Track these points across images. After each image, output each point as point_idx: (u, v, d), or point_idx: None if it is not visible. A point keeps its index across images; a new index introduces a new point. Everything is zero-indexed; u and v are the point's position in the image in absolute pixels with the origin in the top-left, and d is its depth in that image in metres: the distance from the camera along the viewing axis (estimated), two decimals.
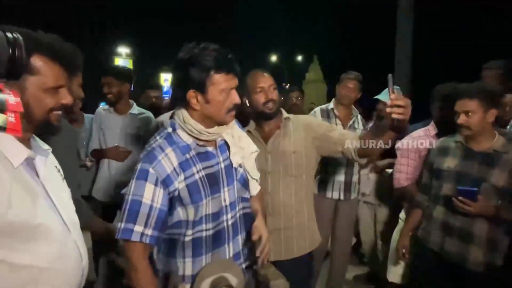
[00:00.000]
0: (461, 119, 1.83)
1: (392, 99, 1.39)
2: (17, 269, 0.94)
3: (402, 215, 2.49)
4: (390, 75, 1.43)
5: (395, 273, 2.47)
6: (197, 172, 1.33)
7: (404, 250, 2.17)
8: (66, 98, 1.05)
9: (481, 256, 1.81)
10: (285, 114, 1.97)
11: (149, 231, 1.27)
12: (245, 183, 1.49)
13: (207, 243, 1.37)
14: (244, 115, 1.98)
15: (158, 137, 1.36)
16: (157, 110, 3.21)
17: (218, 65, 1.26)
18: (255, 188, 1.57)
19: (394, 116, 1.40)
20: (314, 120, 2.06)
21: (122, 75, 2.75)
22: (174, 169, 1.29)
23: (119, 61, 21.95)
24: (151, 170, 1.26)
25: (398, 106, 1.38)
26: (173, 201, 1.30)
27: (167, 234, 1.35)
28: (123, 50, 23.08)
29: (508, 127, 2.35)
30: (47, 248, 0.99)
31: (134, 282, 1.29)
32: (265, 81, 1.85)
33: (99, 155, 2.72)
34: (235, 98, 1.33)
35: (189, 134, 1.34)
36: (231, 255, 1.42)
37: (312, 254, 1.99)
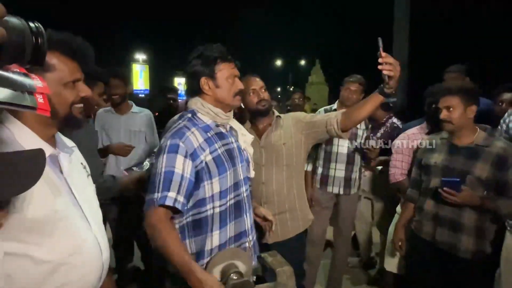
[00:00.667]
0: (443, 114, 1.87)
1: (383, 56, 1.54)
2: (39, 263, 0.91)
3: (398, 208, 2.49)
4: (379, 38, 1.56)
5: (391, 263, 2.48)
6: (219, 148, 1.45)
7: (400, 243, 2.18)
8: (84, 91, 1.03)
9: (471, 244, 1.83)
10: (276, 113, 2.08)
11: (181, 198, 1.33)
12: (248, 165, 1.60)
13: (231, 213, 1.46)
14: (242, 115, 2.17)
15: (180, 121, 1.46)
16: (174, 110, 3.24)
17: (223, 55, 1.46)
18: (253, 172, 1.67)
19: (384, 72, 1.56)
20: (301, 114, 2.14)
21: (127, 78, 2.85)
22: (200, 144, 1.39)
23: (136, 67, 22.10)
24: (181, 144, 1.35)
25: (388, 64, 1.54)
26: (200, 174, 1.38)
27: (195, 214, 1.41)
28: (140, 56, 23.23)
29: (501, 121, 2.35)
30: (66, 243, 0.97)
31: (163, 246, 1.27)
32: (256, 83, 1.98)
33: (104, 153, 2.75)
34: (239, 84, 1.52)
35: (207, 117, 1.47)
36: (248, 225, 1.52)
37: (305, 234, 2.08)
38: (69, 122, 1.02)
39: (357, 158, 2.81)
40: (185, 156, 1.35)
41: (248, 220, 1.52)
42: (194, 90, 1.50)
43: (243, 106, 2.04)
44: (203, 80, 1.46)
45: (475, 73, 2.86)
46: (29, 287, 0.91)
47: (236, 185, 1.48)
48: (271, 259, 1.48)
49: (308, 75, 30.13)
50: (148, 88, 22.38)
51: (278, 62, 37.03)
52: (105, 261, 1.09)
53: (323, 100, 18.92)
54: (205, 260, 1.40)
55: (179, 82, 23.78)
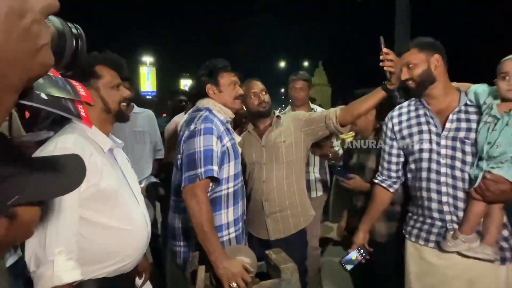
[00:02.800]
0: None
1: (385, 53, 1.63)
2: (105, 228, 1.19)
3: None
4: (381, 37, 1.64)
5: None
6: (232, 139, 1.70)
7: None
8: (125, 93, 1.37)
9: (383, 228, 1.99)
10: (276, 113, 2.14)
11: (218, 169, 1.56)
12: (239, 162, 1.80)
13: (239, 194, 1.73)
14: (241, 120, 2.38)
15: (200, 113, 1.66)
16: (183, 109, 3.27)
17: (224, 66, 1.75)
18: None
19: (386, 68, 1.65)
20: (300, 112, 2.19)
21: (133, 80, 2.89)
22: (223, 131, 1.65)
23: (143, 69, 22.20)
24: (214, 127, 1.59)
25: (389, 61, 1.63)
26: (224, 156, 1.62)
27: (216, 192, 1.64)
28: (148, 59, 23.33)
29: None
30: (123, 213, 1.24)
31: (200, 223, 1.46)
32: (257, 87, 2.07)
33: None
34: (239, 90, 1.78)
35: (220, 113, 1.71)
36: (244, 209, 1.80)
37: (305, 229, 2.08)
38: (119, 116, 1.36)
39: (316, 159, 2.74)
40: (217, 138, 1.58)
41: (244, 205, 1.80)
42: (201, 94, 1.75)
43: (245, 109, 2.11)
44: (208, 86, 1.73)
45: None
46: (97, 246, 1.18)
47: (240, 173, 1.75)
48: (275, 256, 1.49)
49: (311, 75, 30.10)
50: (155, 90, 22.45)
51: (282, 64, 37.05)
52: (149, 232, 1.35)
53: (326, 100, 18.85)
54: (224, 233, 1.63)
55: (185, 84, 23.83)
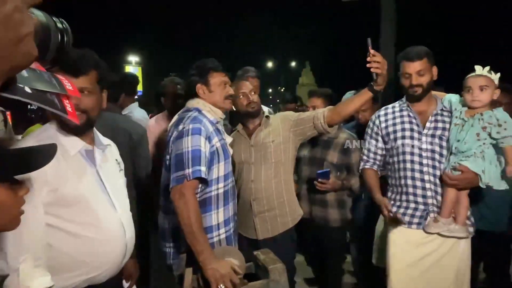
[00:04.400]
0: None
1: (372, 54, 1.67)
2: (70, 235, 1.11)
3: None
4: (369, 38, 1.68)
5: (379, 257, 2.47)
6: (221, 139, 1.68)
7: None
8: (104, 99, 1.29)
9: (336, 215, 2.31)
10: (266, 113, 2.16)
11: (206, 170, 1.54)
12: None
13: (230, 194, 1.70)
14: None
15: (190, 113, 1.65)
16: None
17: (215, 66, 1.72)
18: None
19: (372, 70, 1.69)
20: (289, 113, 2.21)
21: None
22: (212, 131, 1.62)
23: (129, 69, 21.89)
24: (202, 127, 1.58)
25: (376, 62, 1.68)
26: (213, 156, 1.60)
27: (206, 193, 1.61)
28: (133, 58, 23.01)
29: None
30: (92, 219, 1.15)
31: (188, 224, 1.44)
32: (246, 87, 2.08)
33: None
34: (229, 90, 1.76)
35: (210, 114, 1.69)
36: (235, 209, 1.77)
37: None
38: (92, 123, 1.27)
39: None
40: (205, 138, 1.57)
41: (235, 206, 1.77)
42: (191, 94, 1.74)
43: (234, 109, 2.11)
44: (198, 86, 1.71)
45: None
46: (62, 255, 1.11)
47: (230, 173, 1.72)
48: (263, 257, 1.49)
49: (298, 76, 30.24)
50: (141, 89, 22.20)
51: (270, 64, 37.11)
52: (129, 240, 1.26)
53: None
54: (214, 234, 1.60)
55: None
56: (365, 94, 1.83)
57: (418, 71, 1.77)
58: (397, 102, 1.97)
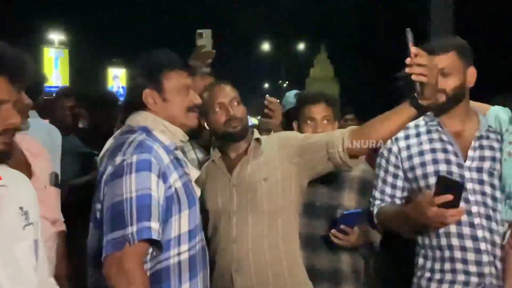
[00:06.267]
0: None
1: (414, 54, 1.59)
2: None
3: None
4: (408, 30, 1.62)
5: None
6: (183, 175, 1.64)
7: None
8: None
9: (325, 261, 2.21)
10: (256, 134, 2.11)
11: (160, 227, 1.49)
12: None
13: (200, 259, 1.66)
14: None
15: (133, 136, 1.60)
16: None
17: (172, 62, 1.66)
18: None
19: (414, 77, 1.60)
20: (291, 133, 2.22)
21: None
22: (168, 164, 1.58)
23: (49, 52, 21.96)
24: (152, 159, 1.52)
25: (419, 65, 1.58)
26: (171, 203, 1.56)
27: (161, 262, 1.55)
28: (56, 36, 23.12)
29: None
30: None
31: None
32: (224, 95, 2.06)
33: None
34: (194, 97, 1.72)
35: (165, 136, 1.65)
36: (207, 283, 1.74)
37: None
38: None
39: None
40: (158, 176, 1.51)
41: (207, 280, 1.74)
42: (134, 104, 1.69)
43: (206, 127, 2.11)
44: (146, 92, 1.65)
45: None
46: None
47: (198, 228, 1.69)
48: None
49: (310, 66, 30.62)
50: (67, 83, 22.14)
51: (265, 46, 37.55)
52: None
53: None
54: None
55: (116, 75, 23.71)
56: (405, 111, 1.75)
57: (440, 69, 1.73)
58: (421, 118, 1.89)
